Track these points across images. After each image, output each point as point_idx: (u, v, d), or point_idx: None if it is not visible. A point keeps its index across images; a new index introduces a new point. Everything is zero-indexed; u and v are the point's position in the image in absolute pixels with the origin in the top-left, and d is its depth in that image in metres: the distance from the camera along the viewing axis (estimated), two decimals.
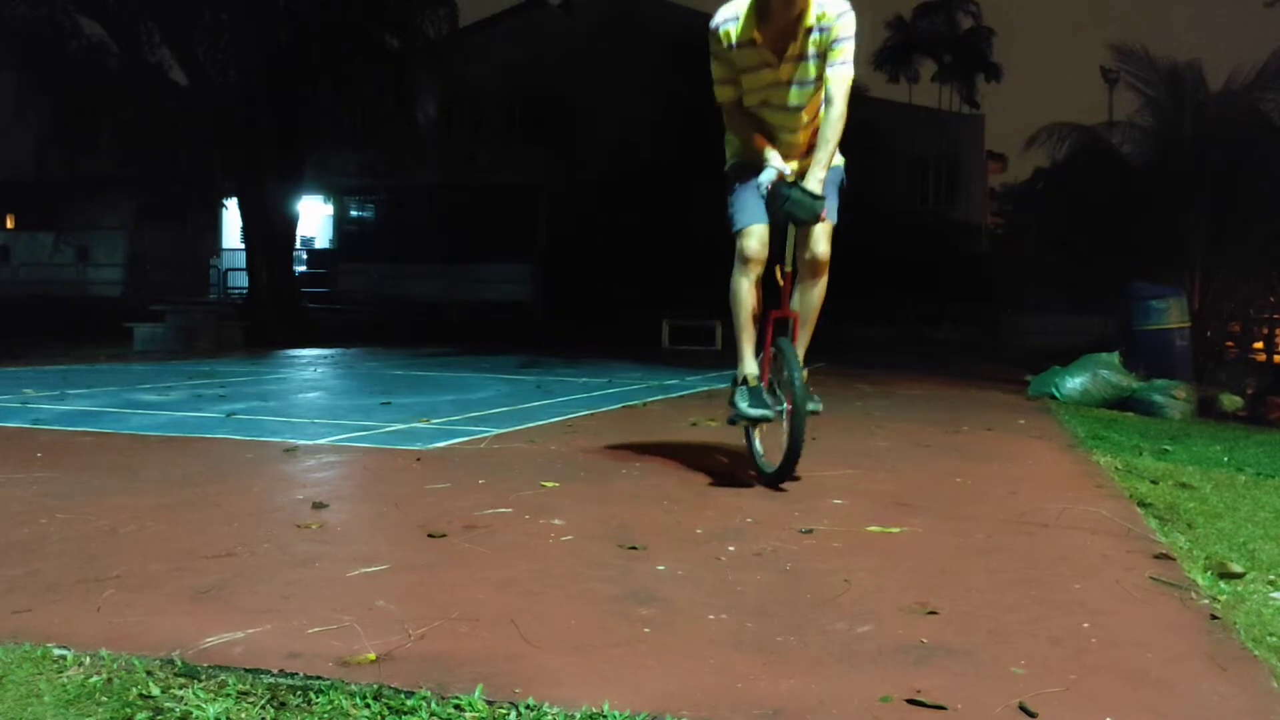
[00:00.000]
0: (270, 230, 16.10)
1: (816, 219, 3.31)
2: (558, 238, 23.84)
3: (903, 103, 29.90)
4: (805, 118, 3.46)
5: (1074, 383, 7.63)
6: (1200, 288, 11.17)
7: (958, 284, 22.43)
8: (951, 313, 22.66)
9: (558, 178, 24.33)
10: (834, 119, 3.31)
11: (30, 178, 19.90)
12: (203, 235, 27.34)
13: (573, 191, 23.49)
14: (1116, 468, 4.11)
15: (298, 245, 20.10)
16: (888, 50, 33.20)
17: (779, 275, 3.47)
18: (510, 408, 5.78)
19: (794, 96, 3.40)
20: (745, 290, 3.43)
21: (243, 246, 17.32)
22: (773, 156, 3.38)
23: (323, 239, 27.67)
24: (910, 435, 4.98)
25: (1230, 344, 12.76)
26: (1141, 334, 8.83)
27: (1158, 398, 7.46)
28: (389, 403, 5.96)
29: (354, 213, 27.32)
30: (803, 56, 3.33)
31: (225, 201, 21.54)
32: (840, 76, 3.31)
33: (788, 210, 3.28)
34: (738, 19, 3.33)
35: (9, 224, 27.80)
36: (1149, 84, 12.07)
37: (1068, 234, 13.55)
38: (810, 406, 3.27)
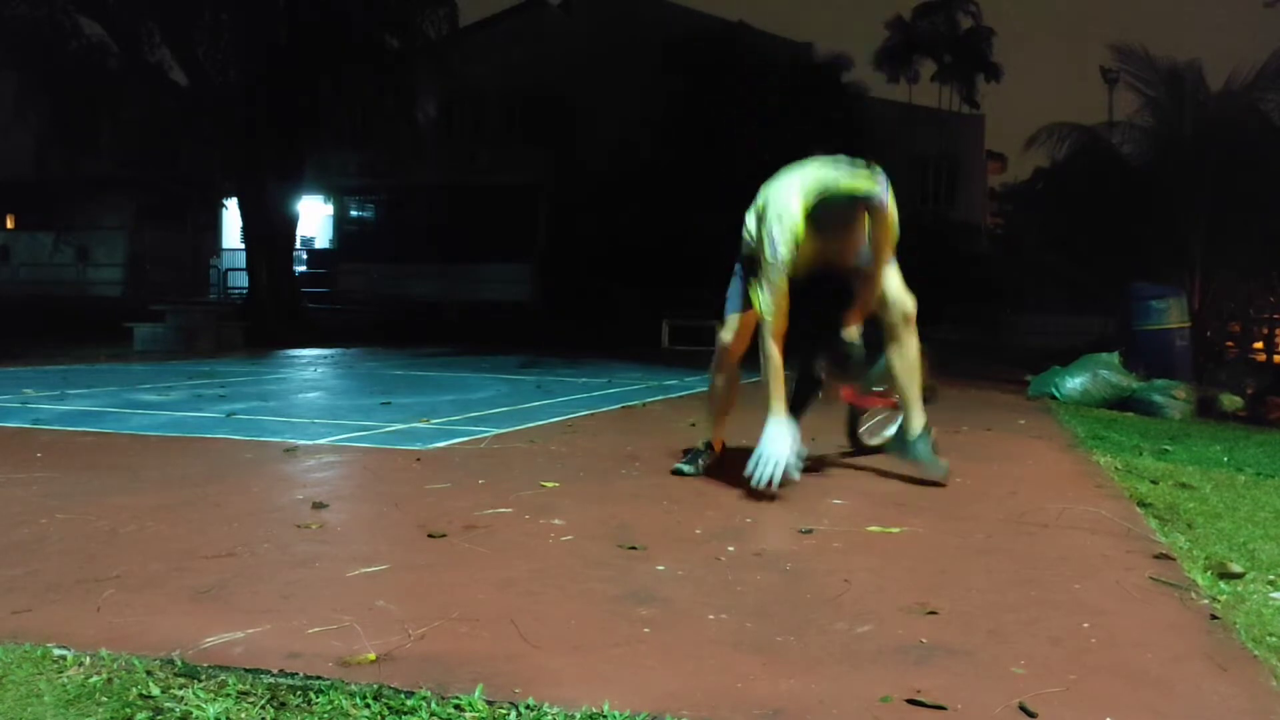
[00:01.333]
0: (270, 230, 16.10)
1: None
2: (558, 238, 23.83)
3: (903, 103, 29.90)
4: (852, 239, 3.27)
5: (1074, 383, 7.63)
6: (1200, 288, 11.17)
7: (957, 284, 22.41)
8: (951, 313, 22.63)
9: (558, 178, 24.32)
10: (874, 280, 3.30)
11: (30, 178, 19.89)
12: (203, 235, 27.32)
13: (573, 191, 23.48)
14: (1116, 468, 4.11)
15: (298, 245, 20.09)
16: (888, 50, 33.21)
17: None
18: (510, 408, 5.78)
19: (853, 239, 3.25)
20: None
21: (243, 246, 17.32)
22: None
23: (323, 239, 27.65)
24: None
25: (1230, 344, 12.76)
26: (1141, 334, 8.83)
27: (1158, 398, 7.46)
28: (389, 403, 5.96)
29: (354, 213, 27.31)
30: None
31: (225, 201, 21.53)
32: (890, 237, 3.20)
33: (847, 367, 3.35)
34: (797, 219, 3.10)
35: (9, 224, 27.78)
36: (1149, 84, 12.06)
37: (1068, 234, 13.54)
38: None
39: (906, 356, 3.47)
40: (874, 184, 3.01)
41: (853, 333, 3.38)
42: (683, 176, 19.47)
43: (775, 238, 3.10)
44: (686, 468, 3.61)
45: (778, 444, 3.13)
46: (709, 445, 3.71)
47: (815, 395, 3.61)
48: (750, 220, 3.36)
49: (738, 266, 3.47)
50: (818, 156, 3.22)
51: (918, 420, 3.52)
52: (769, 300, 3.14)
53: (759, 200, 3.31)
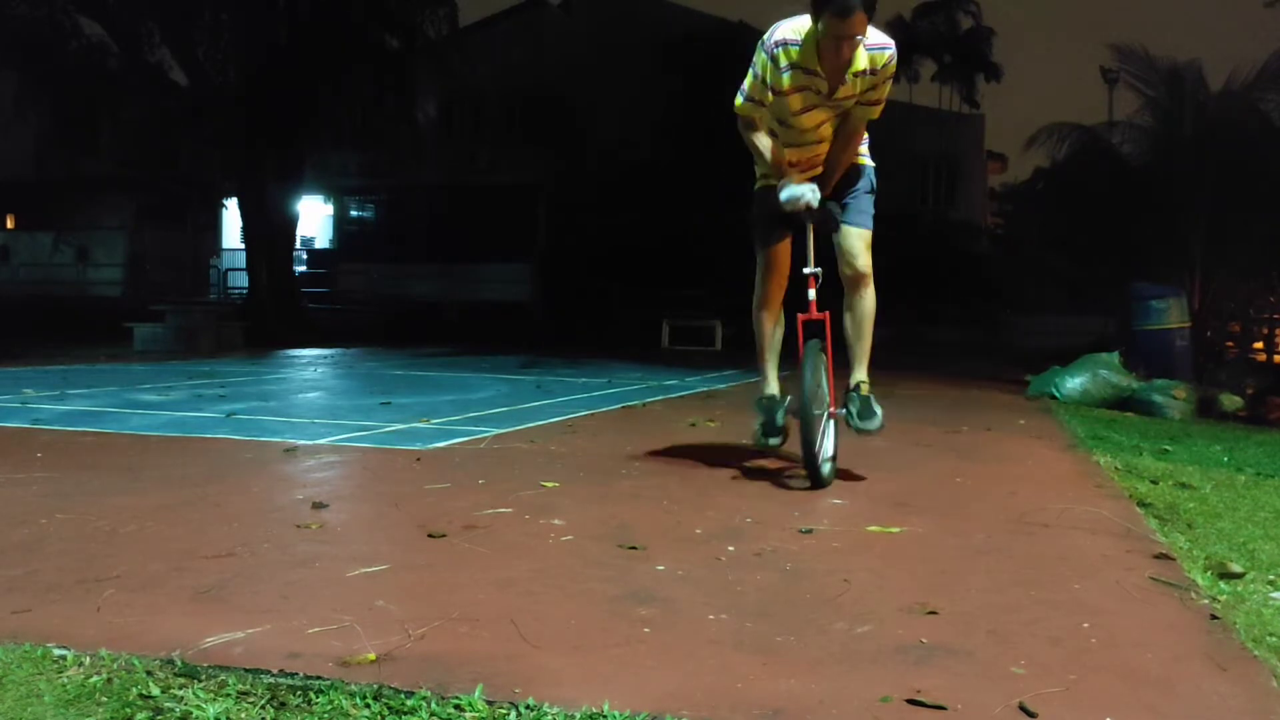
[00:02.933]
0: (270, 230, 16.10)
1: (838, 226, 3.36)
2: (558, 238, 23.83)
3: (903, 103, 29.88)
4: (819, 148, 3.44)
5: (1074, 383, 7.63)
6: (1200, 288, 11.17)
7: (957, 284, 22.41)
8: (951, 312, 22.63)
9: (558, 178, 24.32)
10: (855, 135, 3.36)
11: (30, 178, 19.90)
12: (203, 235, 27.31)
13: (573, 191, 23.47)
14: (1116, 468, 4.11)
15: (298, 245, 20.09)
16: None
17: (809, 281, 3.46)
18: (510, 408, 5.78)
19: (825, 130, 3.38)
20: (763, 319, 3.53)
21: (243, 246, 17.31)
22: (795, 183, 3.34)
23: (323, 239, 27.64)
24: (910, 435, 4.98)
25: (1230, 344, 12.76)
26: (1141, 334, 8.83)
27: (1158, 398, 7.46)
28: (389, 403, 5.96)
29: (354, 213, 27.30)
30: (851, 98, 3.28)
31: (225, 201, 21.53)
32: (872, 113, 3.31)
33: (818, 220, 3.33)
34: (799, 43, 3.19)
35: (9, 224, 27.78)
36: (1149, 84, 12.07)
37: (1068, 234, 13.56)
38: (817, 411, 3.24)
39: (856, 312, 3.48)
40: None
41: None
42: (682, 176, 19.45)
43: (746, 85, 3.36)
44: (772, 441, 3.53)
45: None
46: (771, 398, 3.59)
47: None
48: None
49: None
50: None
51: (857, 374, 3.54)
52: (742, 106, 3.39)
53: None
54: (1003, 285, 21.61)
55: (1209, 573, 2.37)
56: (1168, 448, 4.99)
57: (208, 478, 3.40)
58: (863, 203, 3.46)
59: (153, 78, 15.65)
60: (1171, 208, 11.23)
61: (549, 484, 3.37)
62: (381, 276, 24.62)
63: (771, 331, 3.60)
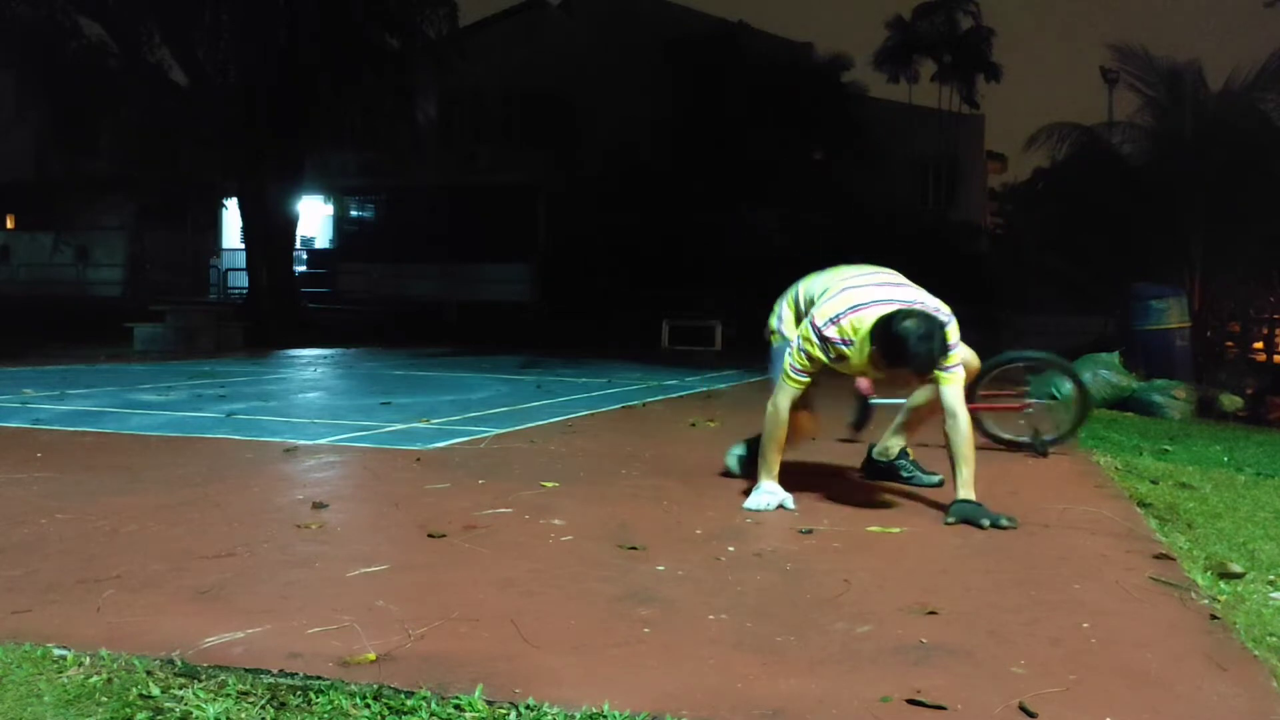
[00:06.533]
0: (270, 230, 16.10)
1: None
2: (558, 238, 23.82)
3: (903, 103, 29.86)
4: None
5: None
6: (1200, 288, 11.16)
7: (957, 284, 22.40)
8: (951, 312, 22.63)
9: (558, 178, 24.31)
10: (962, 433, 3.03)
11: (30, 178, 19.88)
12: (203, 235, 27.30)
13: (573, 191, 23.47)
14: (1116, 468, 4.11)
15: (298, 245, 20.10)
16: (888, 50, 33.14)
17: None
18: (510, 408, 5.78)
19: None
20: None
21: (243, 246, 17.32)
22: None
23: (323, 239, 27.64)
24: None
25: (1230, 344, 12.75)
26: (1141, 334, 8.82)
27: (1158, 398, 7.46)
28: (389, 403, 5.96)
29: (354, 213, 27.29)
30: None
31: (225, 201, 21.53)
32: (955, 392, 3.08)
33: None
34: (849, 355, 3.05)
35: (9, 224, 27.79)
36: (1149, 84, 12.07)
37: (1068, 234, 13.55)
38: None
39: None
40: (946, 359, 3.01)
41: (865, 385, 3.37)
42: (682, 177, 19.46)
43: (797, 358, 3.12)
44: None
45: (762, 499, 3.10)
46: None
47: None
48: (783, 308, 3.40)
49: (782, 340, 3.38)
50: (873, 270, 3.23)
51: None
52: (786, 395, 3.16)
53: (797, 292, 3.35)
54: (1003, 285, 21.61)
55: (1209, 573, 2.37)
56: (1168, 448, 4.98)
57: (208, 478, 3.40)
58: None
59: (153, 78, 15.65)
60: (1171, 208, 11.23)
61: (549, 484, 3.37)
62: (381, 276, 24.61)
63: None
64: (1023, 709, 1.54)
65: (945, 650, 1.81)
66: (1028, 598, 2.17)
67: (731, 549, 2.54)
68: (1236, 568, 2.41)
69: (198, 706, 1.50)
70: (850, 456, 4.12)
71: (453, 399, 6.26)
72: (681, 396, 6.85)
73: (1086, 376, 7.69)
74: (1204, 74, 12.04)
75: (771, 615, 2.00)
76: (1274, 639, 1.91)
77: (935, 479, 3.53)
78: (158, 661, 1.67)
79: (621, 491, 3.31)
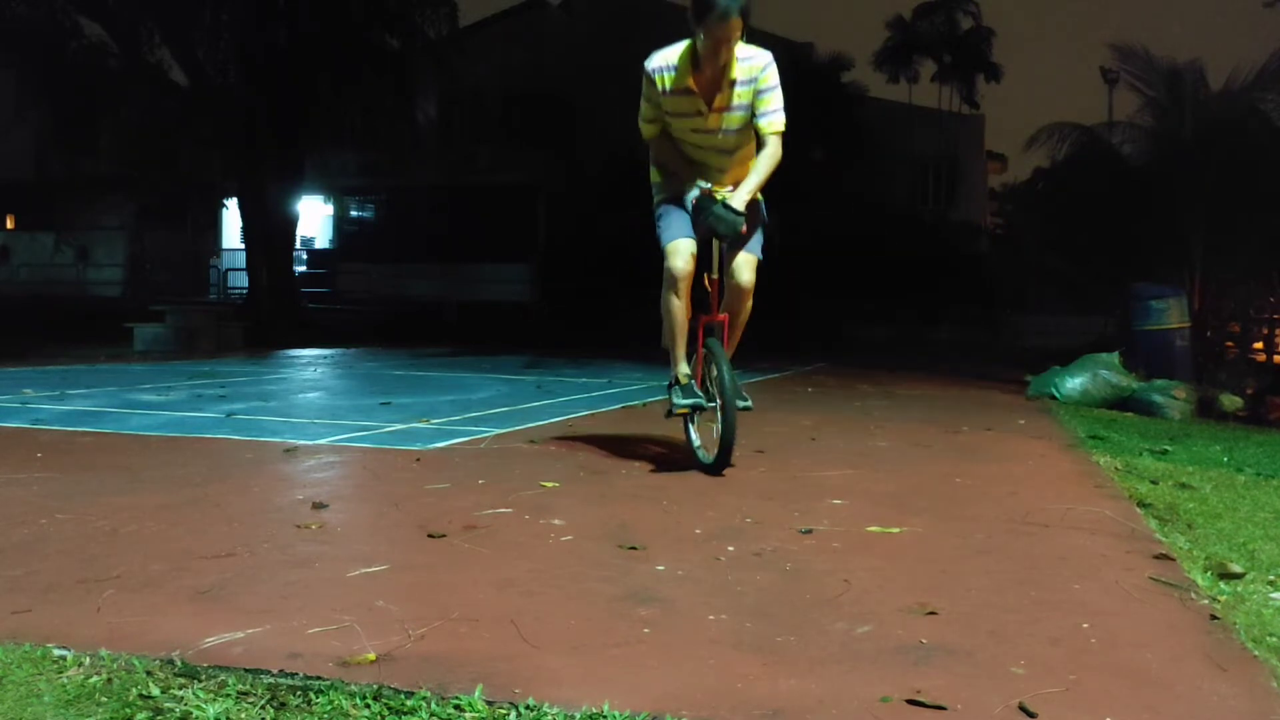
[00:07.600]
0: (270, 230, 16.11)
1: (737, 234, 3.52)
2: (558, 238, 23.84)
3: (903, 103, 29.89)
4: (735, 157, 3.66)
5: (1074, 383, 7.63)
6: (1200, 288, 11.16)
7: (958, 284, 22.42)
8: (951, 313, 22.63)
9: (557, 178, 24.33)
10: (767, 157, 3.53)
11: (30, 178, 19.90)
12: (203, 235, 27.34)
13: (573, 191, 23.49)
14: (1116, 468, 4.11)
15: (298, 245, 20.11)
16: (888, 50, 33.15)
17: (706, 282, 3.70)
18: (510, 408, 5.78)
19: (723, 141, 3.61)
20: (676, 305, 3.63)
21: (243, 246, 17.33)
22: (698, 181, 3.57)
23: (323, 239, 27.67)
24: (910, 435, 4.98)
25: (1230, 344, 12.75)
26: (1141, 334, 8.82)
27: (1158, 398, 7.46)
28: (389, 403, 5.96)
29: (354, 213, 27.32)
30: (729, 107, 3.53)
31: (225, 201, 21.56)
32: (772, 126, 3.52)
33: (710, 223, 3.50)
34: (673, 68, 3.52)
35: (9, 224, 27.82)
36: (1149, 84, 12.07)
37: (1068, 234, 13.55)
38: (740, 404, 3.49)
39: (736, 317, 3.72)
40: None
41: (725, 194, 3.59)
42: None
43: (641, 110, 3.66)
44: (685, 400, 3.68)
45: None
46: (677, 378, 3.77)
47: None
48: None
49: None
50: None
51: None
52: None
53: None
54: (1003, 285, 21.63)
55: (1209, 573, 2.37)
56: (1168, 448, 4.99)
57: (208, 478, 3.40)
58: (756, 234, 3.69)
59: (153, 78, 15.67)
60: (1171, 208, 11.22)
61: (549, 484, 3.37)
62: (381, 276, 24.64)
63: (685, 315, 3.72)
64: (1023, 709, 1.54)
65: (945, 650, 1.81)
66: (1028, 598, 2.17)
67: (731, 549, 2.54)
68: (1236, 568, 2.41)
69: (198, 707, 1.50)
70: (850, 457, 4.13)
71: (453, 399, 6.26)
72: None
73: (1087, 376, 7.72)
74: (1204, 74, 12.04)
75: (771, 615, 2.00)
76: (1274, 639, 1.91)
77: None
78: (158, 662, 1.67)
79: (621, 491, 3.31)
